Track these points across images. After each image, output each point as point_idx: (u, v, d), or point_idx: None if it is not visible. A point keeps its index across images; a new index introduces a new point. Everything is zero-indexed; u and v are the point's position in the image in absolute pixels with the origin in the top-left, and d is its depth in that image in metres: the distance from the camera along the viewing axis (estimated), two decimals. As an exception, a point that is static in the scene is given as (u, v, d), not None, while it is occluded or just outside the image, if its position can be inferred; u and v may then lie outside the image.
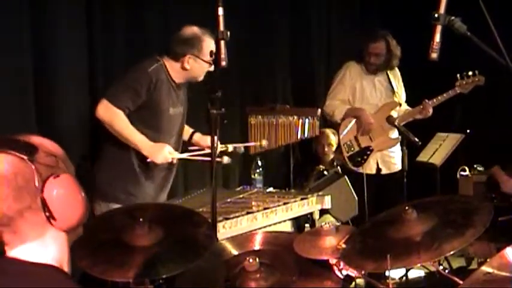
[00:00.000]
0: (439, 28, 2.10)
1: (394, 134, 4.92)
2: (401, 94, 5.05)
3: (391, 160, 4.94)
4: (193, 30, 3.46)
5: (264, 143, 4.13)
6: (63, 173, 1.33)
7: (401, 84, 5.08)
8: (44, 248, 1.30)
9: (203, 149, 3.59)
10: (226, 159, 3.42)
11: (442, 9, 2.08)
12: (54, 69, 3.77)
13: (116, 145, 3.39)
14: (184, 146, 3.70)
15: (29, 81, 3.59)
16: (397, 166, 4.91)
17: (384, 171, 4.90)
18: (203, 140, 3.68)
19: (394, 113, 4.90)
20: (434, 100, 4.77)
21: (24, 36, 3.55)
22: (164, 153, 3.35)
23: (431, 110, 4.76)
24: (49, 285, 1.26)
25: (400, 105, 4.98)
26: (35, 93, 3.62)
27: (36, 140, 1.35)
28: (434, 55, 2.12)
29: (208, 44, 3.40)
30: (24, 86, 3.57)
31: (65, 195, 1.30)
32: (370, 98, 4.94)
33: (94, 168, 3.54)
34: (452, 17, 2.09)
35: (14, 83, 3.51)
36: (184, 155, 3.55)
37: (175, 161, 3.49)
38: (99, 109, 3.31)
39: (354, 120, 4.86)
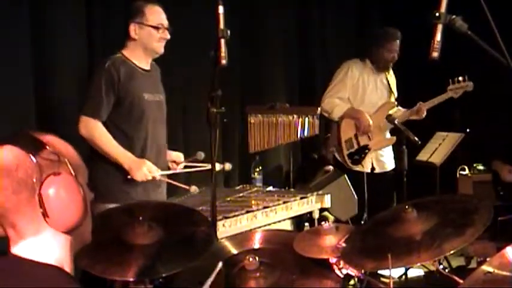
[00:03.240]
0: (439, 27, 2.09)
1: (388, 134, 4.99)
2: (395, 94, 5.08)
3: (383, 159, 5.00)
4: (137, 2, 3.34)
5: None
6: (66, 173, 1.32)
7: (395, 84, 5.10)
8: (44, 246, 1.30)
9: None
10: (227, 166, 3.29)
11: (443, 8, 2.07)
12: (54, 69, 3.76)
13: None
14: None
15: (29, 81, 3.59)
16: (388, 165, 5.01)
17: (378, 170, 4.92)
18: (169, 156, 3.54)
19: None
20: (429, 102, 4.83)
21: (24, 36, 3.55)
22: (143, 171, 3.23)
23: (425, 112, 4.82)
24: (53, 286, 1.26)
25: (397, 105, 5.01)
26: (34, 92, 3.61)
27: (49, 138, 1.35)
28: (435, 54, 2.10)
29: (152, 11, 3.33)
30: (24, 86, 3.57)
31: (62, 194, 1.29)
32: (371, 97, 4.95)
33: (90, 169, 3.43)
34: (453, 16, 2.08)
35: (13, 83, 3.50)
36: (166, 172, 3.38)
37: (157, 178, 3.31)
38: (79, 127, 3.21)
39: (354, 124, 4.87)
